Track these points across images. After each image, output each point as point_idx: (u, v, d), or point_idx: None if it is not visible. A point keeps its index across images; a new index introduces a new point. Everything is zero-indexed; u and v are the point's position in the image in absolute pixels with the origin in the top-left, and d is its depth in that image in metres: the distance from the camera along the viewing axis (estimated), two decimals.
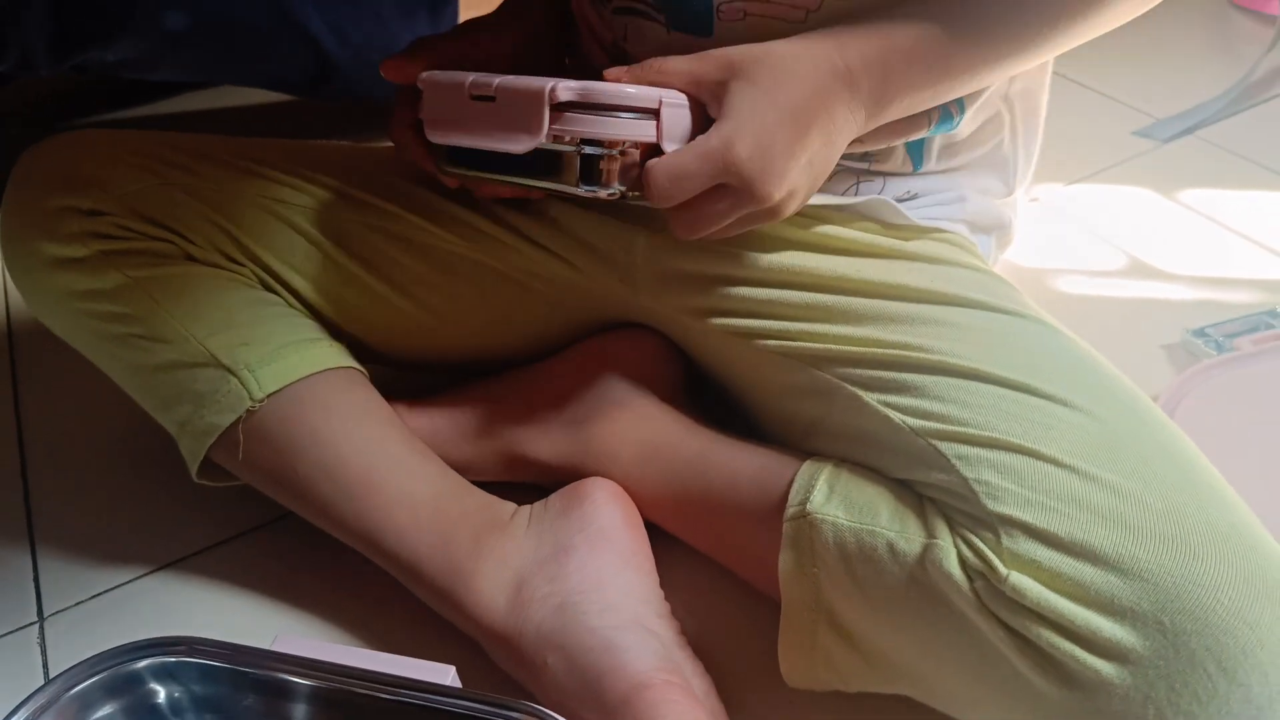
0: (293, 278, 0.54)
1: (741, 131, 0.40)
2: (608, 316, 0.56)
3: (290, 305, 0.54)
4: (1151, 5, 0.45)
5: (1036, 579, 0.36)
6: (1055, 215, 0.77)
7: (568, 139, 0.41)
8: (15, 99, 0.99)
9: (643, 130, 0.41)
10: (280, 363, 0.51)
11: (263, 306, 0.53)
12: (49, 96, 1.04)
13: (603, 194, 0.41)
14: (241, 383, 0.50)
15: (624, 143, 0.41)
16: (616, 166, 0.41)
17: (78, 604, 0.53)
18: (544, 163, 0.42)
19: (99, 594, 0.53)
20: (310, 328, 0.54)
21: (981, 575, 0.38)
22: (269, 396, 0.50)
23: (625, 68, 0.43)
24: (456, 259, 0.54)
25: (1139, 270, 0.71)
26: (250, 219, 0.54)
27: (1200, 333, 0.64)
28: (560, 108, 0.40)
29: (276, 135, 0.59)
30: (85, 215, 0.51)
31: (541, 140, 0.41)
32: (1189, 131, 0.84)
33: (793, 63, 0.41)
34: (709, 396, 0.55)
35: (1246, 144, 0.83)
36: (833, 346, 0.46)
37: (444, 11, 0.84)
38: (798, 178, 0.41)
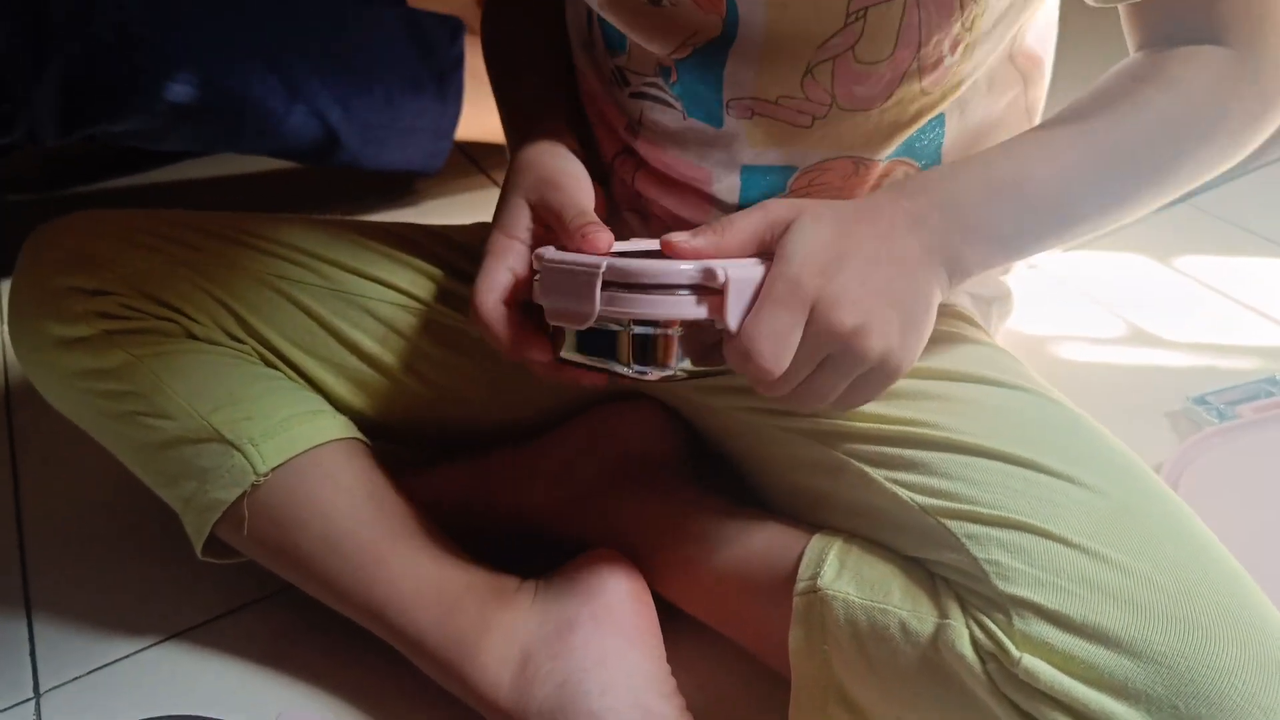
0: (294, 353, 0.55)
1: (805, 262, 0.39)
2: (612, 388, 0.56)
3: (291, 379, 0.55)
4: (1233, 161, 0.45)
5: (1049, 662, 0.36)
6: (1055, 283, 0.78)
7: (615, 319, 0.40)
8: (11, 166, 1.00)
9: (687, 309, 0.39)
10: (283, 436, 0.51)
11: (265, 381, 0.53)
12: (48, 163, 1.06)
13: (653, 375, 0.40)
14: (245, 457, 0.50)
15: (676, 323, 0.39)
16: (673, 345, 0.40)
17: (75, 679, 0.52)
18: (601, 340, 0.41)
19: (97, 668, 0.53)
20: (312, 400, 0.54)
21: (994, 657, 0.37)
22: (273, 470, 0.50)
23: (689, 234, 0.41)
24: (459, 335, 0.55)
25: (1139, 337, 0.72)
26: (253, 295, 0.54)
27: (1201, 400, 0.64)
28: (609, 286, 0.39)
29: (277, 201, 0.60)
30: (90, 295, 0.52)
31: (592, 320, 0.40)
32: (1183, 200, 0.85)
33: (853, 205, 0.41)
34: (713, 466, 0.55)
35: (1238, 211, 0.84)
36: (838, 422, 0.46)
37: (450, 84, 0.85)
38: (873, 303, 0.39)
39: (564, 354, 0.43)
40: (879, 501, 0.44)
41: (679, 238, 0.41)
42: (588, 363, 0.42)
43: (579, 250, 0.43)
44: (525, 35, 0.59)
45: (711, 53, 0.47)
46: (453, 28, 0.86)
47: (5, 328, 0.83)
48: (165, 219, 0.56)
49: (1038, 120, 0.54)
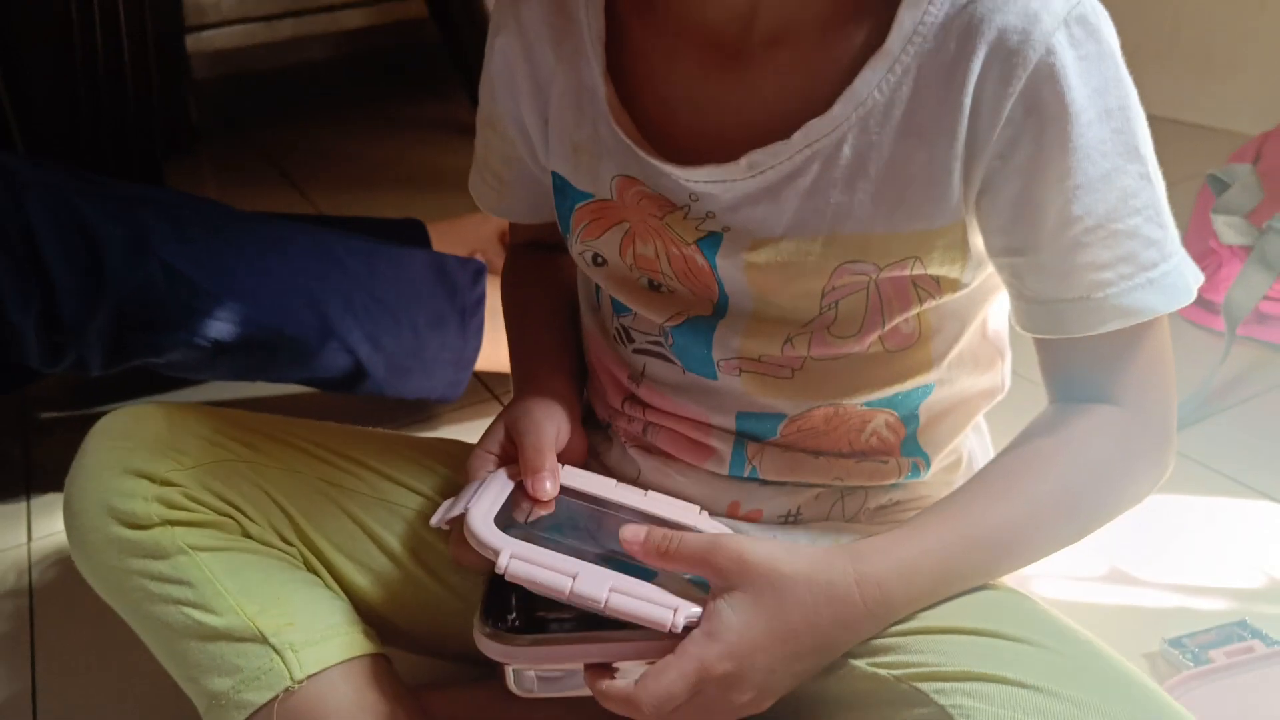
0: (336, 557, 0.59)
1: (726, 652, 0.46)
2: None
3: (328, 586, 0.59)
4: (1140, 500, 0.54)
5: None
6: None
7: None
8: (43, 384, 1.06)
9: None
10: (322, 645, 0.55)
11: (309, 589, 0.58)
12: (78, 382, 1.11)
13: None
14: (284, 662, 0.54)
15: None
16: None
17: None
18: None
19: None
20: (349, 612, 0.58)
21: None
22: (308, 678, 0.53)
23: (645, 530, 0.49)
24: None
25: (1117, 576, 0.76)
26: (305, 500, 0.59)
27: (1177, 643, 0.68)
28: None
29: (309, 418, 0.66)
30: (157, 484, 0.56)
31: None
32: None
33: (803, 589, 0.47)
34: None
35: (1207, 452, 0.89)
36: None
37: (471, 321, 0.92)
38: (778, 684, 0.47)
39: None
40: (862, 686, 0.48)
41: (631, 535, 0.49)
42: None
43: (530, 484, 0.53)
44: (538, 296, 0.67)
45: (702, 323, 0.54)
46: (475, 270, 0.94)
47: (32, 543, 0.88)
48: (228, 418, 0.62)
49: (1007, 388, 0.60)
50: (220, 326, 0.85)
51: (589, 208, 0.56)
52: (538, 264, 0.68)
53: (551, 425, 0.56)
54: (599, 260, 0.57)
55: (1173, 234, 0.50)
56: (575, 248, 0.58)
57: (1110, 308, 0.49)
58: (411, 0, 1.87)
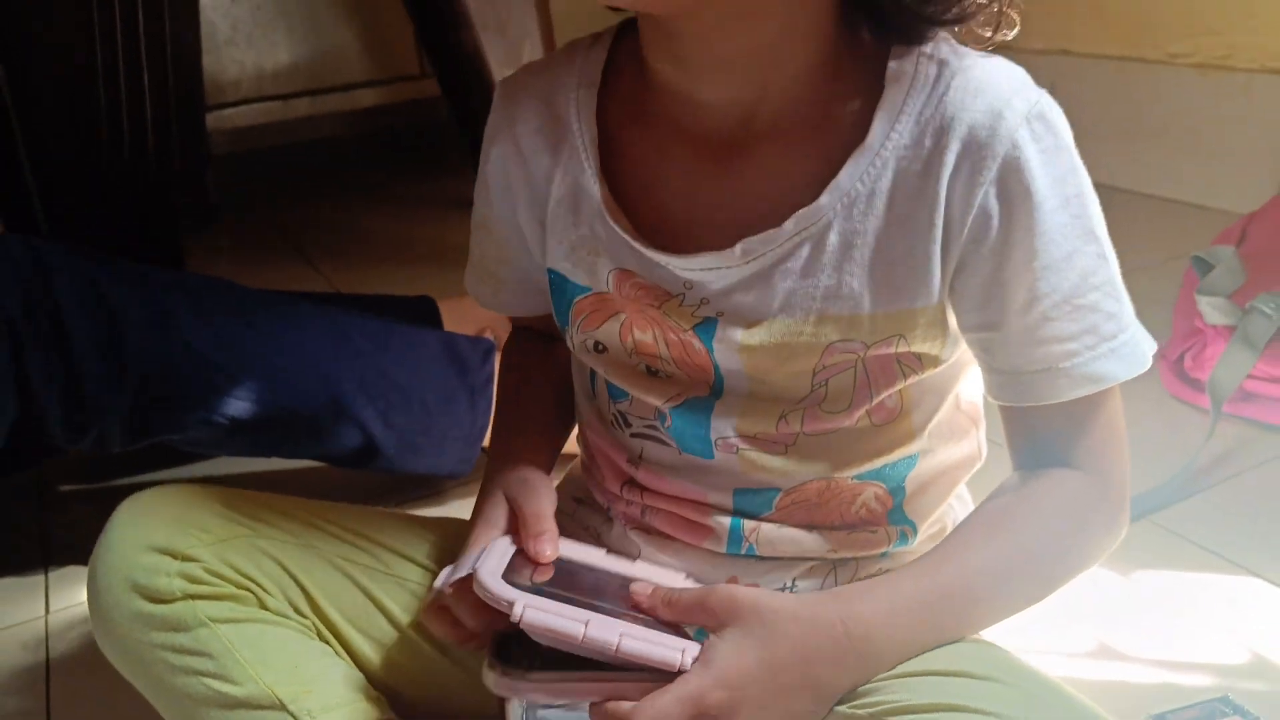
0: (348, 629, 0.62)
1: (720, 680, 0.48)
2: None
3: (339, 656, 0.62)
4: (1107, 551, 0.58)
5: None
6: None
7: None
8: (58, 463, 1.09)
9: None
10: (338, 711, 0.59)
11: (323, 658, 0.61)
12: (95, 456, 1.14)
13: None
14: None
15: None
16: None
17: None
18: None
19: None
20: (358, 679, 0.61)
21: None
22: None
23: (652, 585, 0.53)
24: None
25: (1101, 651, 0.78)
26: (319, 574, 0.63)
27: (1161, 719, 0.69)
28: None
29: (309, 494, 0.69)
30: (179, 560, 0.59)
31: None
32: (1143, 516, 0.93)
33: (790, 623, 0.50)
34: None
35: (1192, 528, 0.91)
36: None
37: (481, 399, 0.96)
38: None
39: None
40: None
41: (640, 589, 0.53)
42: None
43: (532, 546, 0.56)
44: (531, 378, 0.70)
45: (700, 404, 0.58)
46: (485, 350, 0.97)
47: (50, 616, 0.90)
48: (245, 497, 0.65)
49: (985, 457, 0.65)
50: (238, 405, 0.88)
51: (587, 301, 0.59)
52: (535, 348, 0.71)
53: (547, 493, 0.60)
54: (600, 348, 0.60)
55: (1128, 307, 0.54)
56: (575, 338, 0.61)
57: (1076, 376, 0.53)
58: (423, 80, 1.94)
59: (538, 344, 0.71)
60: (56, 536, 1.02)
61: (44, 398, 0.84)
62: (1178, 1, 1.67)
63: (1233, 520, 0.92)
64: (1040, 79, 1.61)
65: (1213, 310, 1.07)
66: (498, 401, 0.72)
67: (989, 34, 0.54)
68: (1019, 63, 1.41)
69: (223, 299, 0.91)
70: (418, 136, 2.26)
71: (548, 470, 0.64)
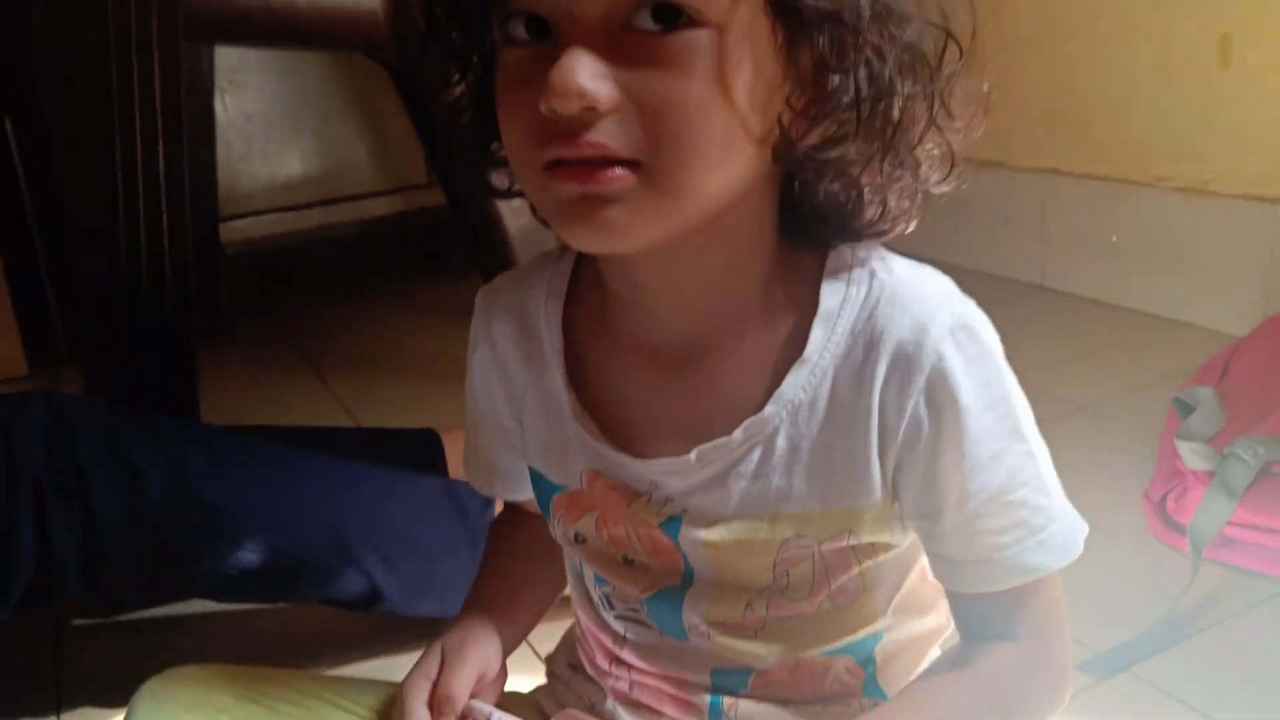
0: None
1: None
2: None
3: None
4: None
5: None
6: None
7: None
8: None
9: None
10: None
11: None
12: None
13: None
14: None
15: None
16: None
17: None
18: None
19: None
20: None
21: None
22: None
23: None
24: None
25: None
26: None
27: None
28: None
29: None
30: None
31: None
32: (1125, 668, 0.96)
33: None
34: None
35: (1170, 680, 0.94)
36: None
37: (482, 546, 0.99)
38: None
39: None
40: None
41: None
42: None
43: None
44: (515, 547, 0.74)
45: (672, 593, 0.61)
46: (485, 500, 1.01)
47: None
48: (265, 677, 0.69)
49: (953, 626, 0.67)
50: (248, 556, 0.92)
51: (564, 498, 0.63)
52: (529, 520, 0.74)
53: (478, 662, 0.64)
54: (580, 538, 0.64)
55: (1056, 499, 0.57)
56: (556, 530, 0.65)
57: (1008, 568, 0.56)
58: (430, 189, 2.00)
59: (530, 517, 0.75)
60: (69, 673, 1.04)
61: (63, 551, 0.88)
62: (1161, 127, 1.72)
63: (1211, 672, 0.94)
64: (1030, 197, 1.72)
65: (1193, 455, 1.10)
66: (485, 550, 0.76)
67: (901, 229, 0.57)
68: (1012, 180, 1.53)
69: (236, 451, 0.95)
70: (425, 242, 2.32)
71: (511, 631, 0.68)
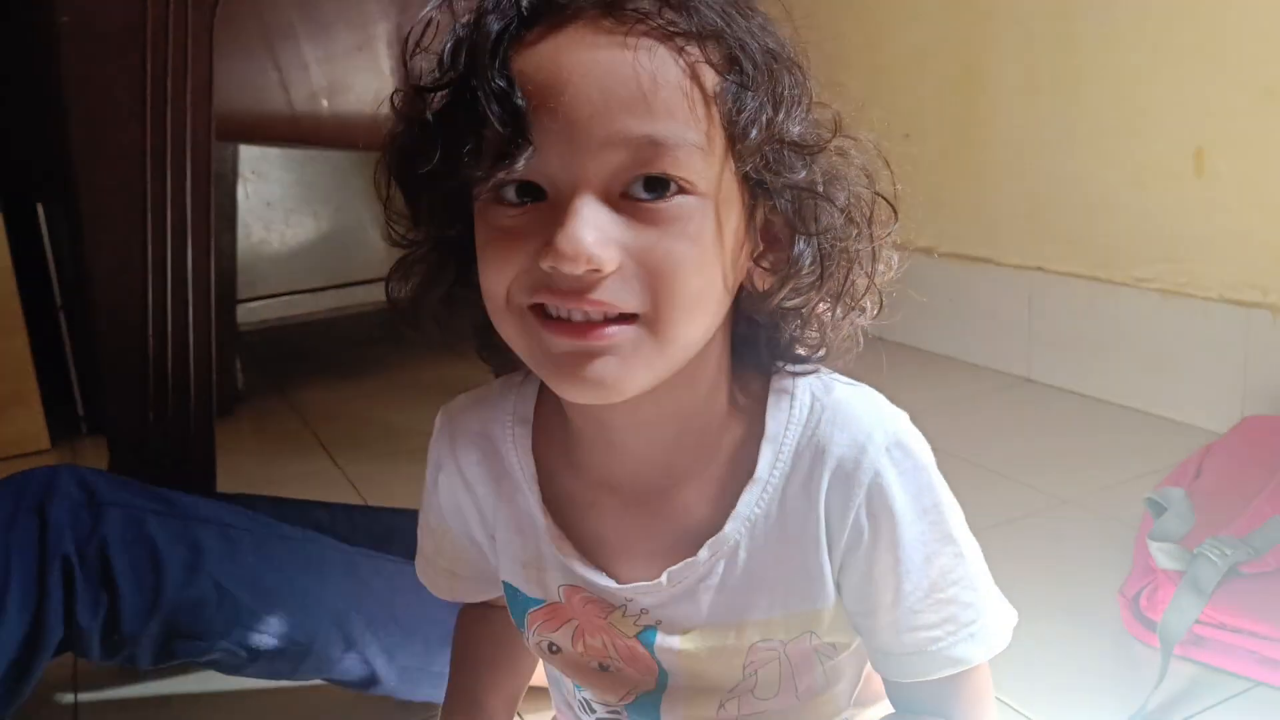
0: None
1: None
2: None
3: None
4: None
5: None
6: None
7: None
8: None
9: None
10: None
11: None
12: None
13: None
14: None
15: None
16: None
17: None
18: None
19: None
20: None
21: None
22: None
23: None
24: None
25: None
26: None
27: None
28: None
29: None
30: None
31: None
32: None
33: None
34: None
35: None
36: None
37: None
38: None
39: None
40: None
41: None
42: None
43: None
44: (487, 644, 0.77)
45: (649, 698, 0.66)
46: None
47: None
48: None
49: None
50: (258, 638, 0.97)
51: (541, 611, 0.67)
52: (495, 614, 0.77)
53: None
54: (554, 648, 0.68)
55: (984, 594, 0.62)
56: (531, 640, 0.69)
57: (940, 659, 0.61)
58: None
59: (496, 610, 0.77)
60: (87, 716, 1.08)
61: (87, 626, 0.93)
62: (1140, 230, 1.79)
63: None
64: (1018, 293, 1.80)
65: (1163, 556, 1.14)
66: (453, 652, 0.78)
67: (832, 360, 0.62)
68: (998, 276, 1.61)
69: (253, 537, 1.00)
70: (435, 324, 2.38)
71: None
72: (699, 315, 0.54)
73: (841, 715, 0.68)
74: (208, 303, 1.38)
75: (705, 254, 0.53)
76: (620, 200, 0.52)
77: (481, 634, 0.77)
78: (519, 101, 0.50)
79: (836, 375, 0.63)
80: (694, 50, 0.51)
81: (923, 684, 0.63)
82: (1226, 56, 1.62)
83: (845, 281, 0.58)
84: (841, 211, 0.56)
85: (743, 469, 0.62)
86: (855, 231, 0.57)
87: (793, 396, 0.61)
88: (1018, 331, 2.02)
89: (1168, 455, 1.49)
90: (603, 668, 0.67)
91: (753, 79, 0.52)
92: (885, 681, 0.66)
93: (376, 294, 2.14)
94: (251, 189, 1.92)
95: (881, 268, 0.60)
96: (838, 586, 0.62)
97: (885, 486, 0.59)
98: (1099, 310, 1.88)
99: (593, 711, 0.69)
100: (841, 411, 0.61)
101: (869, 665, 0.68)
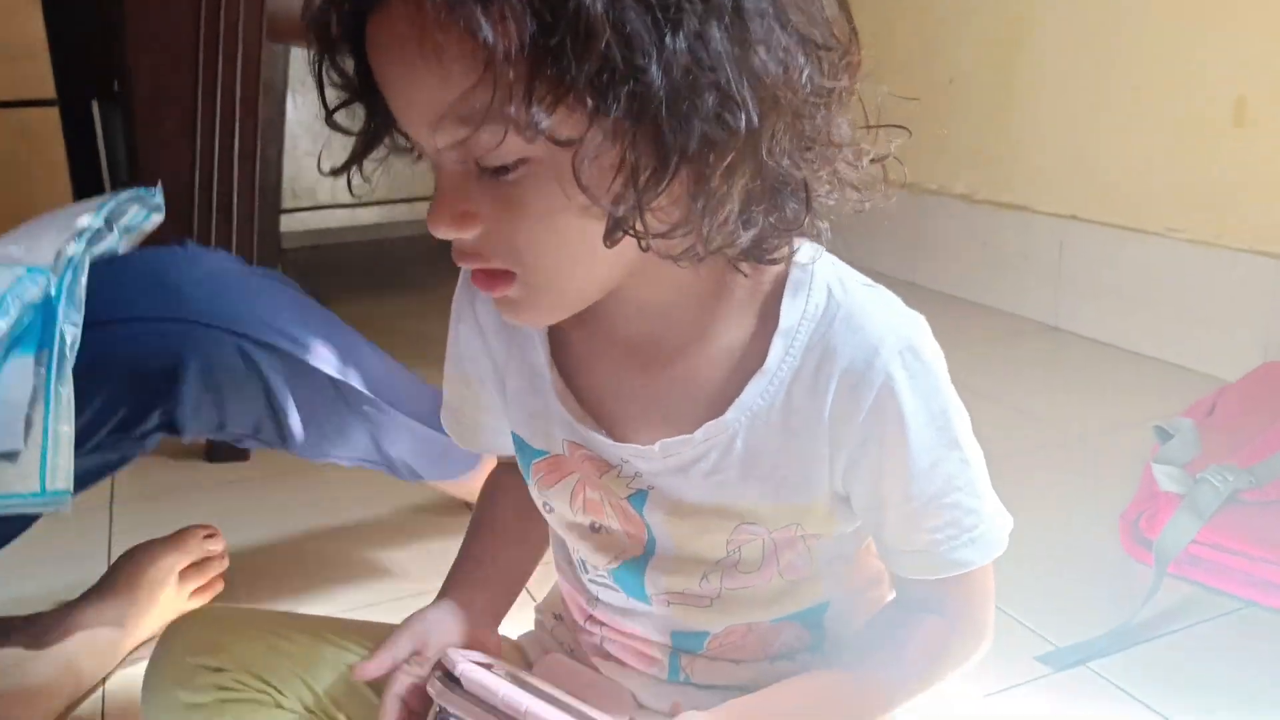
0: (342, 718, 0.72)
1: None
2: None
3: None
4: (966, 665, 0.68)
5: None
6: None
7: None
8: None
9: None
10: None
11: None
12: None
13: None
14: None
15: None
16: None
17: None
18: None
19: None
20: None
21: None
22: None
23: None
24: None
25: None
26: (327, 676, 0.72)
27: None
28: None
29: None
30: (212, 671, 0.70)
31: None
32: (1080, 663, 1.03)
33: None
34: None
35: (1129, 679, 1.00)
36: None
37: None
38: None
39: None
40: None
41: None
42: None
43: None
44: (503, 514, 0.79)
45: (635, 564, 0.68)
46: None
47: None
48: (271, 618, 0.76)
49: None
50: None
51: (545, 463, 0.69)
52: (517, 484, 0.78)
53: (407, 640, 0.68)
54: (548, 508, 0.71)
55: (986, 501, 0.64)
56: (534, 494, 0.71)
57: (941, 561, 0.63)
58: None
59: (518, 477, 0.79)
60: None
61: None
62: (1176, 180, 1.80)
63: (1168, 675, 1.01)
64: (1050, 240, 1.82)
65: (1166, 478, 1.17)
66: (471, 520, 0.80)
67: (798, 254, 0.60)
68: (1032, 222, 1.62)
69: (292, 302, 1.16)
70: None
71: (488, 605, 0.74)
72: (573, 268, 0.55)
73: (827, 594, 0.69)
74: (251, 194, 1.43)
75: (557, 218, 0.52)
76: (479, 173, 0.53)
77: (504, 501, 0.80)
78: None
79: (856, 274, 0.63)
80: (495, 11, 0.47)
81: (925, 581, 0.65)
82: (1270, 4, 1.61)
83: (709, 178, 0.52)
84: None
85: (751, 358, 0.61)
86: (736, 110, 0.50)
87: (810, 291, 0.61)
88: (1047, 278, 2.03)
89: (1185, 401, 1.51)
90: (594, 529, 0.69)
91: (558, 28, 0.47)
92: (893, 575, 0.68)
93: (420, 210, 2.18)
94: (300, 100, 1.96)
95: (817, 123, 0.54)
96: (843, 483, 0.63)
97: (895, 392, 0.58)
98: (1128, 259, 1.88)
99: (587, 571, 0.72)
100: (856, 312, 0.60)
101: (858, 550, 0.70)
